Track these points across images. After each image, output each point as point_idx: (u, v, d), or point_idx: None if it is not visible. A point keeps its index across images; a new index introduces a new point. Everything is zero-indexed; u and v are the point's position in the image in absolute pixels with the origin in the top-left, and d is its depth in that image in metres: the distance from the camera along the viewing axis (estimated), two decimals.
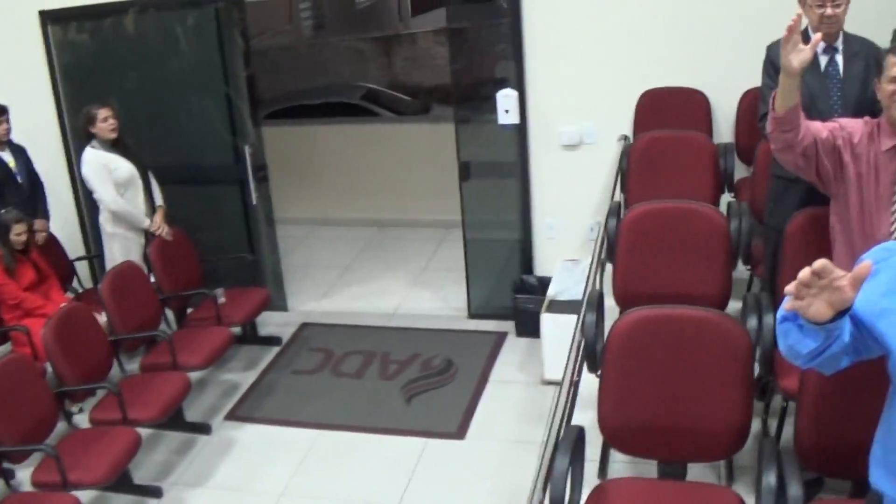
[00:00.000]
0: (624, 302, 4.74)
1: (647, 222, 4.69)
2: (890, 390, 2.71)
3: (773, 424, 4.74)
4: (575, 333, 4.26)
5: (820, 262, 2.34)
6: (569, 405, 3.74)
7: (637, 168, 5.77)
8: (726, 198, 6.12)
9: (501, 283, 6.93)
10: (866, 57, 4.72)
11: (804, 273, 2.35)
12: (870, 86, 4.24)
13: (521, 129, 6.62)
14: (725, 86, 6.20)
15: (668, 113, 6.23)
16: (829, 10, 4.61)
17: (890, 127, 3.87)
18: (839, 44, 4.75)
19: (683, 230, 4.62)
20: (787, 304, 2.42)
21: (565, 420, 3.64)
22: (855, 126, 3.96)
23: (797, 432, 3.55)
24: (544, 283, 6.48)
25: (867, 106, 4.35)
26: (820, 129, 3.92)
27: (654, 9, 6.30)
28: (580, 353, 4.21)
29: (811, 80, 4.59)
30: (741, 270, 5.55)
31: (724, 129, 6.40)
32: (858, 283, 2.39)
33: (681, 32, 6.24)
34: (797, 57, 3.61)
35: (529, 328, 6.41)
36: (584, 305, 4.45)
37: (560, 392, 3.75)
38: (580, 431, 3.59)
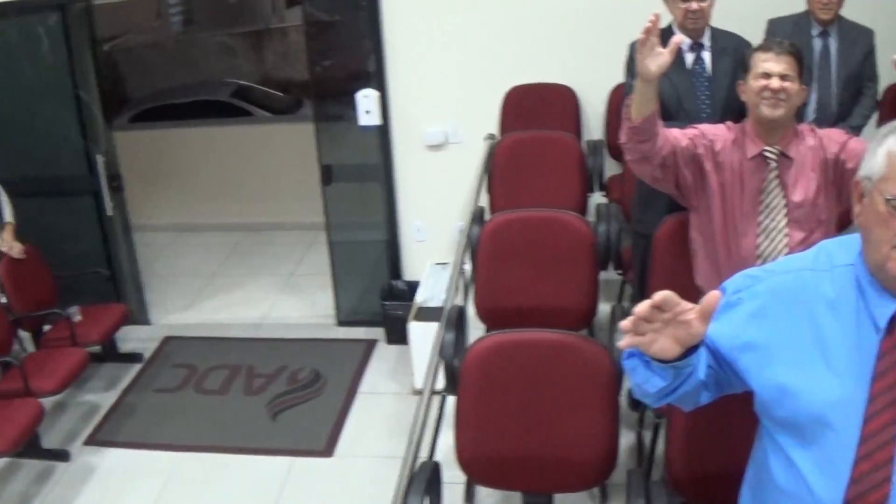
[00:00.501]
0: (485, 317, 4.49)
1: (508, 233, 4.41)
2: (758, 429, 2.45)
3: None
4: (433, 355, 3.99)
5: (661, 295, 2.06)
6: (432, 429, 3.50)
7: (501, 170, 5.52)
8: (597, 197, 5.94)
9: (370, 289, 6.66)
10: (735, 53, 4.52)
11: (642, 307, 2.07)
12: None
13: (383, 130, 6.35)
14: (594, 81, 6.03)
15: (535, 109, 6.02)
16: (694, 5, 4.43)
17: (755, 131, 3.64)
18: (706, 40, 4.56)
19: (547, 240, 4.36)
20: (623, 342, 2.13)
21: (430, 445, 3.49)
22: (717, 133, 3.71)
23: (668, 460, 3.26)
24: (414, 287, 6.19)
25: (737, 105, 4.13)
26: (679, 137, 3.63)
27: (520, 2, 6.09)
28: (436, 375, 3.93)
29: (677, 80, 4.39)
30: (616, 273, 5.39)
31: (594, 125, 6.24)
32: (707, 315, 2.12)
33: (548, 26, 6.04)
34: (655, 61, 3.31)
35: (399, 335, 6.10)
36: (443, 324, 4.17)
37: (415, 426, 3.50)
38: (435, 467, 3.35)
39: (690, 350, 2.19)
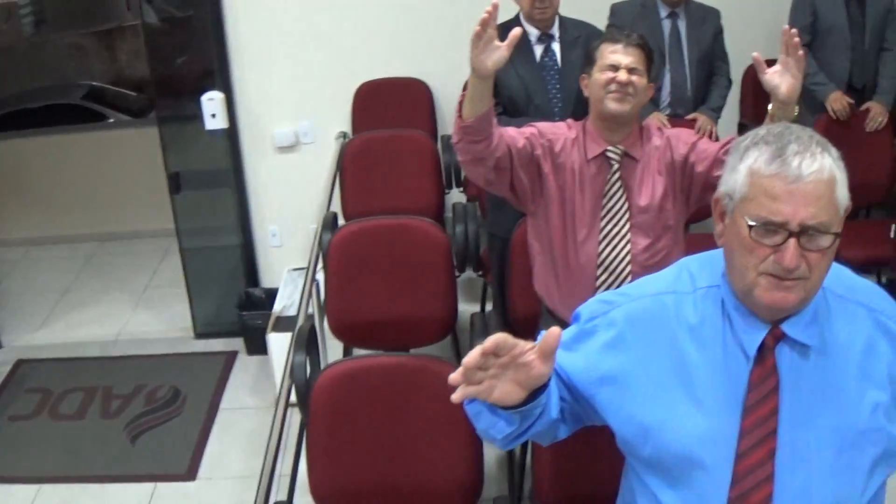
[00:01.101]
0: (340, 332, 4.22)
1: (359, 243, 4.13)
2: (625, 465, 2.22)
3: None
4: (283, 376, 3.71)
5: (493, 340, 1.80)
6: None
7: (353, 171, 5.25)
8: (456, 195, 5.75)
9: (228, 299, 6.32)
10: (586, 43, 4.28)
11: (472, 356, 1.81)
12: None
13: (231, 134, 6.03)
14: (448, 73, 5.77)
15: (387, 105, 5.81)
16: None
17: (597, 130, 3.37)
18: (555, 30, 4.35)
19: (400, 249, 4.10)
20: (456, 395, 1.85)
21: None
22: (556, 131, 3.42)
23: (535, 481, 3.02)
24: (272, 295, 5.88)
25: None
26: (515, 137, 3.31)
27: None
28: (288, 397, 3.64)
29: (526, 73, 4.17)
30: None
31: (451, 119, 5.92)
32: (549, 355, 1.87)
33: (399, 18, 5.84)
34: (491, 56, 2.95)
35: (259, 346, 5.78)
36: (293, 343, 3.88)
37: (267, 455, 3.21)
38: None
39: (537, 391, 1.93)
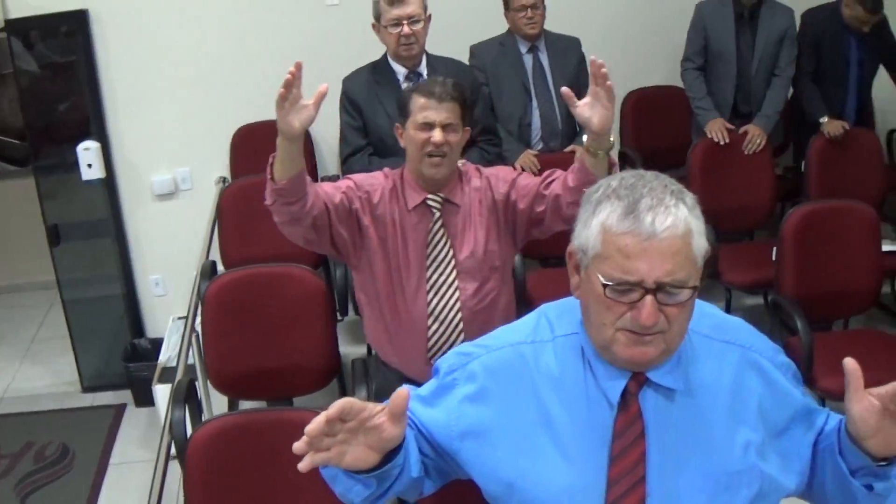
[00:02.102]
0: (221, 384, 4.09)
1: (234, 291, 3.97)
2: None
3: None
4: (163, 433, 3.57)
5: (337, 406, 1.72)
6: None
7: (232, 217, 5.11)
8: None
9: (114, 350, 6.13)
10: (457, 74, 4.26)
11: (314, 424, 1.71)
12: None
13: (109, 183, 5.88)
14: (325, 116, 5.63)
15: (266, 148, 5.40)
16: (406, 29, 4.19)
17: (416, 179, 3.28)
18: (423, 68, 4.34)
19: (277, 297, 3.95)
20: (303, 464, 1.75)
21: None
22: (374, 182, 3.30)
23: None
24: (158, 345, 5.72)
25: None
26: (332, 192, 3.17)
27: (242, 39, 5.81)
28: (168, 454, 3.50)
29: (394, 112, 4.05)
30: None
31: (330, 161, 6.03)
32: (398, 416, 1.78)
33: (273, 61, 5.66)
34: (298, 116, 2.80)
35: (147, 397, 5.57)
36: (171, 398, 3.74)
37: None
38: None
39: (391, 453, 1.84)
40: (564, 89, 2.89)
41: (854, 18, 5.63)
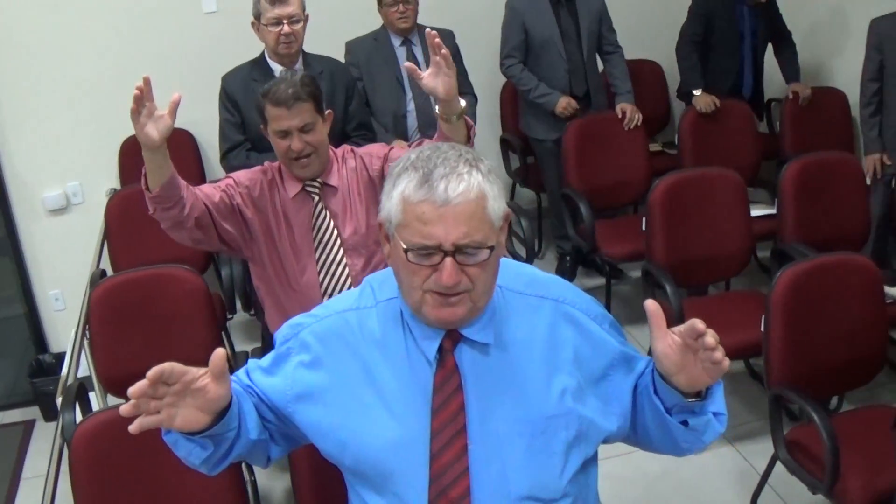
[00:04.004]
0: (110, 387, 4.15)
1: (118, 296, 4.03)
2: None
3: None
4: (55, 437, 3.65)
5: (157, 369, 1.85)
6: None
7: (119, 228, 5.16)
8: None
9: (20, 368, 6.15)
10: (331, 77, 4.53)
11: (136, 387, 1.84)
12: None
13: (1, 202, 5.88)
14: (214, 122, 5.72)
15: None
16: (286, 28, 4.30)
17: (297, 177, 3.45)
18: (299, 66, 4.45)
19: (161, 299, 4.02)
20: (134, 426, 1.88)
21: None
22: (253, 177, 3.46)
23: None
24: (62, 359, 5.75)
25: (339, 127, 4.00)
26: (211, 192, 3.33)
27: (125, 51, 5.87)
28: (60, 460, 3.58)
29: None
30: None
31: (216, 166, 5.95)
32: (219, 376, 1.92)
33: (159, 69, 5.56)
34: (157, 126, 2.90)
35: (55, 412, 5.57)
36: (60, 404, 3.83)
37: None
38: None
39: (222, 414, 1.98)
40: (407, 64, 3.12)
41: None
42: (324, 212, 3.44)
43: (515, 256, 5.60)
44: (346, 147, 3.61)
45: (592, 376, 2.15)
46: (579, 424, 2.11)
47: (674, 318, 4.36)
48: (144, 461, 3.12)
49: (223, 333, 4.76)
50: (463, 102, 3.12)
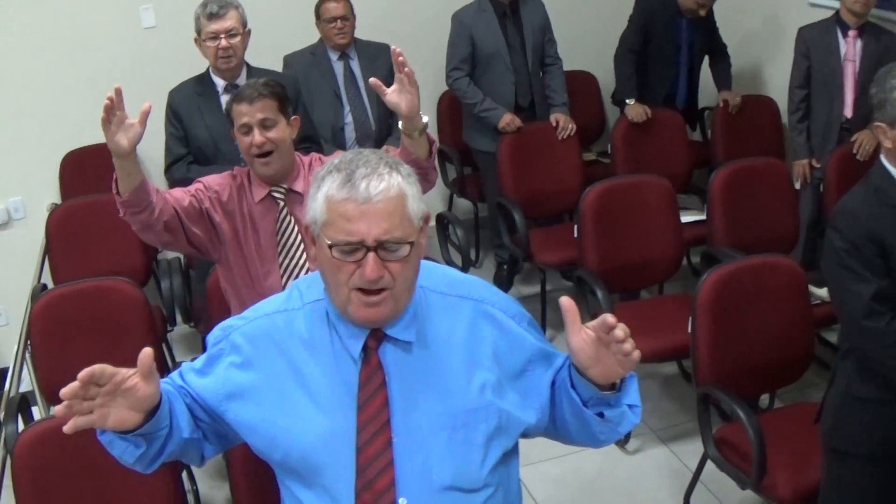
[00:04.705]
0: (51, 398, 4.21)
1: (58, 309, 4.10)
2: None
3: None
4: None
5: (87, 372, 1.92)
6: None
7: (60, 242, 5.20)
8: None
9: None
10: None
11: (68, 388, 1.93)
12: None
13: None
14: (152, 135, 5.77)
15: (95, 172, 5.63)
16: (224, 42, 4.38)
17: (259, 176, 3.56)
18: (242, 80, 4.52)
19: (98, 310, 4.09)
20: (67, 427, 1.96)
21: None
22: (222, 182, 3.58)
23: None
24: (5, 375, 5.77)
25: None
26: (181, 197, 3.45)
27: (64, 66, 5.92)
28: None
29: (213, 123, 4.48)
30: None
31: (158, 178, 5.99)
32: (148, 375, 2.01)
33: (97, 84, 5.73)
34: (126, 135, 3.00)
35: None
36: (3, 417, 3.88)
37: None
38: None
39: (154, 412, 2.07)
40: (373, 80, 3.20)
41: (693, 1, 6.02)
42: (288, 217, 3.54)
43: (451, 265, 5.69)
44: (314, 155, 3.74)
45: (512, 372, 2.27)
46: (499, 417, 2.23)
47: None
48: (87, 470, 3.19)
49: (164, 345, 4.83)
50: (425, 118, 3.24)
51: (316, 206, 2.09)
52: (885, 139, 3.13)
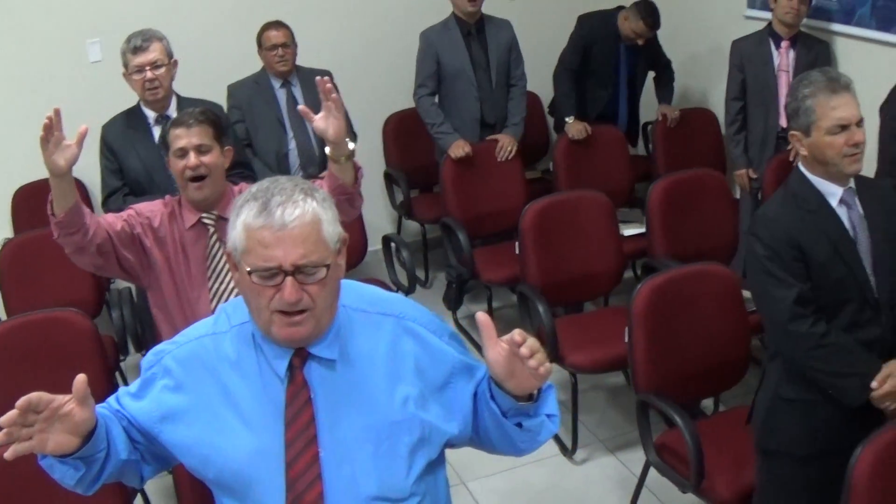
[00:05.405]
0: None
1: (11, 340, 4.14)
2: None
3: None
4: None
5: (26, 398, 2.02)
6: None
7: (12, 274, 5.22)
8: None
9: None
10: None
11: (8, 416, 2.01)
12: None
13: None
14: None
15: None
16: (148, 74, 4.45)
17: (190, 203, 3.65)
18: (172, 111, 4.60)
19: (48, 341, 4.13)
20: (9, 453, 2.05)
21: None
22: (154, 209, 3.67)
23: None
24: None
25: None
26: (113, 221, 3.55)
27: (12, 99, 6.03)
28: None
29: (146, 154, 4.59)
30: None
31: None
32: (83, 400, 2.11)
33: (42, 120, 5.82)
34: (63, 155, 3.14)
35: None
36: None
37: None
38: None
39: (91, 435, 2.17)
40: (300, 107, 3.33)
41: (632, 31, 6.22)
42: (218, 243, 3.62)
43: (398, 286, 5.79)
44: (244, 184, 3.80)
45: (434, 384, 2.37)
46: (422, 429, 2.32)
47: (546, 337, 4.62)
48: (35, 495, 3.26)
49: (117, 374, 4.90)
50: (352, 145, 3.34)
51: (235, 234, 2.17)
52: (800, 147, 3.27)
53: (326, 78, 3.24)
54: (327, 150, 3.33)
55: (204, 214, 3.63)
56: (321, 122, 3.25)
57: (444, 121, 6.05)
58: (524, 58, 6.33)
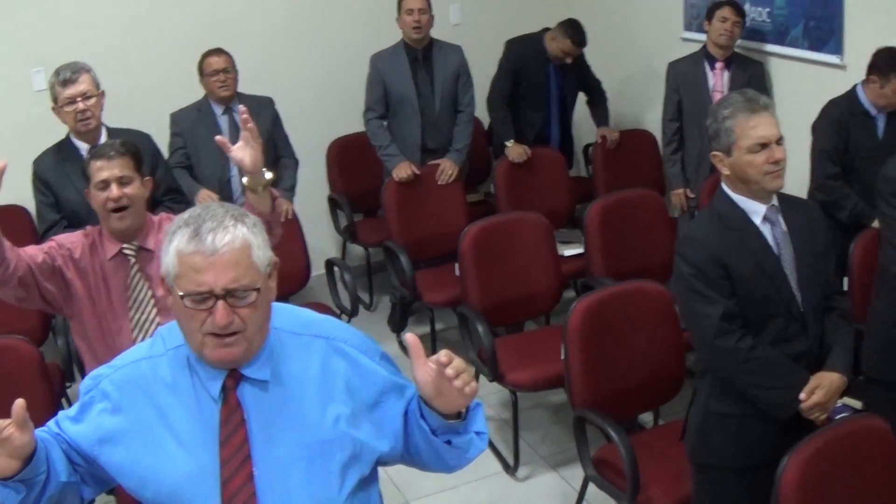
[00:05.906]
0: None
1: None
2: None
3: None
4: None
5: None
6: None
7: None
8: None
9: None
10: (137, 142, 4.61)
11: None
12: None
13: None
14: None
15: None
16: (80, 105, 4.49)
17: (110, 234, 3.69)
18: (102, 140, 4.61)
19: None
20: None
21: None
22: (74, 240, 3.71)
23: None
24: None
25: None
26: (34, 254, 3.57)
27: None
28: None
29: (82, 187, 4.40)
30: None
31: None
32: (22, 424, 2.16)
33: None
34: None
35: None
36: None
37: None
38: None
39: (31, 459, 2.22)
40: (218, 137, 3.39)
41: (560, 50, 6.33)
42: (138, 274, 3.67)
43: (341, 309, 5.85)
44: (163, 214, 3.86)
45: (365, 403, 2.45)
46: (353, 447, 2.40)
47: (487, 356, 4.72)
48: None
49: (63, 400, 4.93)
50: (268, 175, 3.40)
51: (168, 259, 2.24)
52: (722, 167, 3.37)
53: (243, 107, 3.30)
54: (244, 180, 3.39)
55: (125, 245, 3.68)
56: (238, 151, 3.30)
57: (390, 143, 6.17)
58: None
